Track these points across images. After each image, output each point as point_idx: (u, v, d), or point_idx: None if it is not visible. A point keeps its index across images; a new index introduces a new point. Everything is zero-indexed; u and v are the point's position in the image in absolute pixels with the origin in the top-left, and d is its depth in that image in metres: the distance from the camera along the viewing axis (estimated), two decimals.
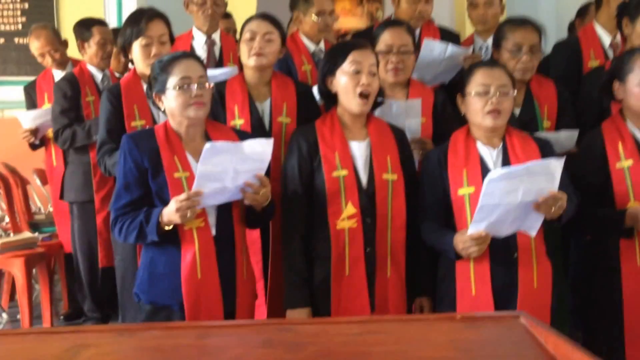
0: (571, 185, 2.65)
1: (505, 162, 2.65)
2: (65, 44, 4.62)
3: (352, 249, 2.69)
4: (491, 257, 2.57)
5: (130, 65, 3.35)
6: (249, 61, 3.11)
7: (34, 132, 4.32)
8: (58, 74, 4.48)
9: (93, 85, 4.18)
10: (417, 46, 3.43)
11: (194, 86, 2.54)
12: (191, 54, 2.73)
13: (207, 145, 2.38)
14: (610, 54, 3.75)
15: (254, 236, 3.08)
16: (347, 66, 2.74)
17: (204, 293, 2.53)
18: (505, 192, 2.38)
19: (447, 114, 3.14)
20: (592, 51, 3.73)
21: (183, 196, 2.42)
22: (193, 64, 2.60)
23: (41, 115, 4.30)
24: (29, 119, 4.33)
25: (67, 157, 4.28)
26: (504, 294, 2.56)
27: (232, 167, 2.43)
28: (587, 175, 2.82)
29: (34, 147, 4.50)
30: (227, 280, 2.57)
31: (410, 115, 3.05)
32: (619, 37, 3.71)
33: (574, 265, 3.31)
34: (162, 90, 2.59)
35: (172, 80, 2.56)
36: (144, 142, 2.57)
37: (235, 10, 4.78)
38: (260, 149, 2.49)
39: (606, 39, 3.79)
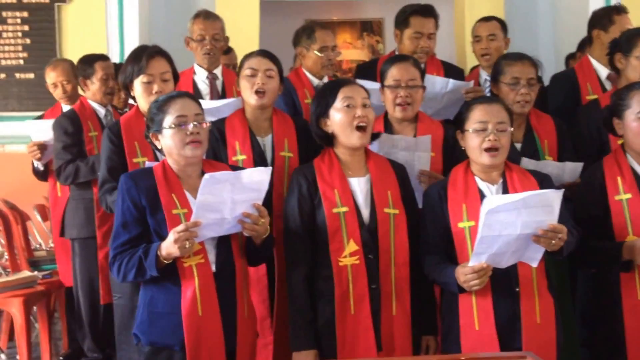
0: (572, 219, 2.65)
1: None
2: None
3: (355, 287, 2.67)
4: (493, 290, 2.56)
5: (131, 101, 3.35)
6: (250, 99, 3.13)
7: (42, 147, 4.28)
8: (66, 109, 4.46)
9: (96, 121, 4.17)
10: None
11: (190, 125, 2.55)
12: (187, 94, 2.74)
13: (207, 176, 2.39)
14: (607, 85, 3.79)
15: (260, 274, 3.08)
16: (339, 103, 2.75)
17: (206, 331, 2.50)
18: (505, 223, 2.37)
19: (457, 149, 3.12)
20: (589, 84, 3.77)
21: (181, 227, 2.41)
22: (189, 103, 2.61)
23: (51, 128, 4.25)
24: (38, 130, 4.29)
25: (69, 191, 4.24)
26: (508, 329, 2.56)
27: (229, 197, 2.43)
28: (587, 208, 2.84)
29: (39, 175, 4.46)
30: (228, 318, 2.55)
31: (420, 149, 3.06)
32: None
33: (582, 298, 3.29)
34: (159, 129, 2.60)
35: (168, 119, 2.57)
36: (142, 181, 2.57)
37: (238, 46, 4.79)
38: (259, 178, 2.49)
39: (602, 71, 3.83)
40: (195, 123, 2.57)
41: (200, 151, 2.60)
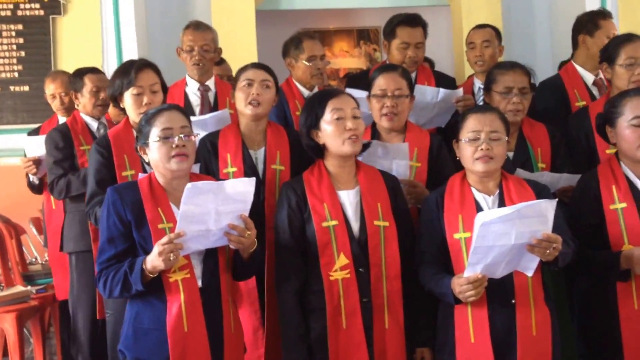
0: (569, 231, 2.63)
1: None
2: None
3: (347, 301, 2.65)
4: (489, 302, 2.55)
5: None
6: (245, 109, 3.13)
7: (37, 162, 4.26)
8: (63, 122, 4.46)
9: (88, 134, 4.14)
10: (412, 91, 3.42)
11: (176, 138, 2.54)
12: (175, 106, 2.72)
13: (189, 185, 2.36)
14: (595, 91, 3.79)
15: (250, 286, 3.07)
16: (328, 116, 2.74)
17: (191, 347, 2.47)
18: (499, 234, 2.36)
19: (442, 158, 3.13)
20: (577, 91, 3.77)
21: (165, 239, 2.39)
22: (176, 115, 2.60)
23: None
24: (34, 144, 4.27)
25: (65, 204, 4.22)
26: (503, 341, 2.54)
27: (214, 207, 2.41)
28: (583, 217, 2.83)
29: (34, 189, 4.44)
30: (215, 333, 2.52)
31: (398, 157, 3.03)
32: (601, 74, 3.73)
33: (579, 310, 3.27)
34: (146, 142, 2.59)
35: (154, 132, 2.57)
36: (128, 194, 2.55)
37: (235, 56, 4.78)
38: (243, 189, 2.46)
39: (588, 77, 3.83)
40: (181, 136, 2.55)
41: (186, 165, 2.58)
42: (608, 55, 3.40)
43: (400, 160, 3.03)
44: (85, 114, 4.20)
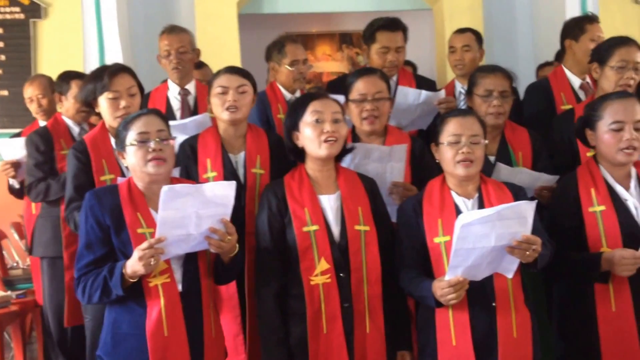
0: (545, 233, 2.64)
1: None
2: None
3: (328, 306, 2.64)
4: (470, 305, 2.55)
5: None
6: (222, 115, 3.09)
7: (15, 165, 4.22)
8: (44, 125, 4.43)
9: (69, 138, 4.12)
10: (393, 95, 3.44)
11: (152, 142, 2.53)
12: (153, 111, 2.71)
13: (165, 188, 2.34)
14: (581, 95, 3.80)
15: (231, 291, 3.05)
16: (308, 117, 2.73)
17: (171, 351, 2.46)
18: (479, 236, 2.37)
19: (425, 161, 3.13)
20: (563, 94, 3.78)
21: (145, 244, 2.37)
22: (152, 119, 2.59)
23: (24, 145, 4.20)
24: (11, 147, 4.24)
25: (41, 208, 4.19)
26: (484, 344, 2.54)
27: (194, 211, 2.39)
28: (562, 219, 2.83)
29: (15, 193, 4.41)
30: (195, 338, 2.51)
31: (394, 159, 3.02)
32: (588, 78, 3.77)
33: (558, 312, 3.28)
34: (123, 147, 2.58)
35: (131, 136, 2.56)
36: (106, 199, 2.54)
37: (219, 59, 4.75)
38: (222, 192, 2.44)
39: (575, 80, 3.85)
40: (157, 140, 2.54)
41: (164, 169, 2.56)
42: (600, 55, 3.39)
43: (396, 163, 3.02)
44: (68, 117, 4.18)
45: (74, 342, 4.06)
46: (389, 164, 3.02)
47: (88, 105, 3.24)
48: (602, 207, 2.76)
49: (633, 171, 2.84)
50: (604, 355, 2.71)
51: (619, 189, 2.80)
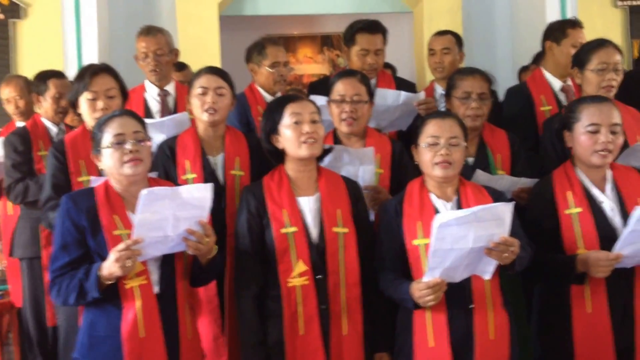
0: (525, 236, 2.65)
1: None
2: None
3: (305, 307, 2.64)
4: (448, 307, 2.56)
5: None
6: (202, 116, 3.09)
7: None
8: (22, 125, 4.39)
9: (47, 139, 4.09)
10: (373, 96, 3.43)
11: (128, 143, 2.51)
12: (128, 112, 2.69)
13: (144, 191, 2.33)
14: (562, 97, 3.82)
15: (210, 293, 3.04)
16: (287, 120, 2.74)
17: (147, 353, 2.44)
18: (457, 237, 2.38)
19: (404, 164, 3.13)
20: (543, 97, 3.78)
21: (122, 246, 2.35)
22: (128, 121, 2.57)
23: (1, 146, 4.15)
24: None
25: (20, 210, 4.16)
26: (461, 345, 2.56)
27: (171, 213, 2.38)
28: (539, 221, 2.84)
29: None
30: (171, 340, 2.49)
31: (364, 162, 3.03)
32: (569, 81, 3.76)
33: (536, 314, 3.30)
34: (98, 149, 2.55)
35: (106, 138, 2.53)
36: (83, 201, 2.51)
37: (200, 60, 4.71)
38: (199, 194, 2.43)
39: (555, 83, 3.86)
40: (133, 141, 2.52)
41: (141, 169, 2.54)
42: (579, 60, 3.41)
43: (367, 166, 3.03)
44: (46, 118, 4.15)
45: (54, 342, 4.03)
46: (361, 167, 3.02)
47: (74, 107, 3.20)
48: (579, 209, 2.77)
49: (609, 174, 2.85)
50: (577, 356, 2.72)
51: (595, 191, 2.81)
